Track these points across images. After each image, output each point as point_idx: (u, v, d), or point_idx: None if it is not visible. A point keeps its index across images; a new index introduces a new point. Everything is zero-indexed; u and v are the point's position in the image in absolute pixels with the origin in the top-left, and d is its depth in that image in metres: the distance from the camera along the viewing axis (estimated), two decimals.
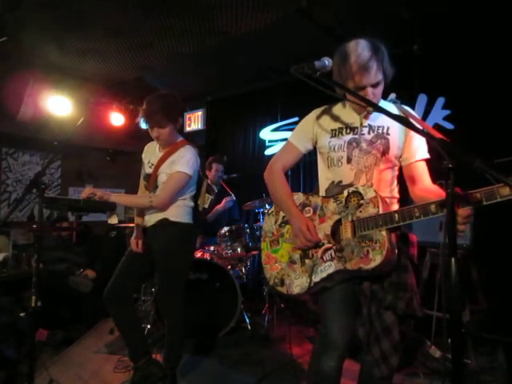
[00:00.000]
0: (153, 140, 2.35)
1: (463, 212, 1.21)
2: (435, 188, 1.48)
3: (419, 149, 1.53)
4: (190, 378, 2.54)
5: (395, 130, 1.51)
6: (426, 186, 1.53)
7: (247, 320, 3.35)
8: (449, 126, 3.47)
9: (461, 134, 3.25)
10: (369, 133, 1.52)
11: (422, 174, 1.56)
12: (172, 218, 2.22)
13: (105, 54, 4.09)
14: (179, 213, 2.25)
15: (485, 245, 2.80)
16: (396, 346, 1.46)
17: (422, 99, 3.61)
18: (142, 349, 2.29)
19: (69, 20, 3.40)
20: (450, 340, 1.01)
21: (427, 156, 1.54)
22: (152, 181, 2.28)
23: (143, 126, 2.24)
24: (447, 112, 3.49)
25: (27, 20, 3.37)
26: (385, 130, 1.52)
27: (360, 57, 1.38)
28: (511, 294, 2.94)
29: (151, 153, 2.37)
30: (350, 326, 1.49)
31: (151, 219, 2.28)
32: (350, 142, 1.53)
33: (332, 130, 1.57)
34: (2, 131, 4.70)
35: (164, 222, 2.22)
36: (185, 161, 2.18)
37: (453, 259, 0.97)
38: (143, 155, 2.44)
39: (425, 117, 3.53)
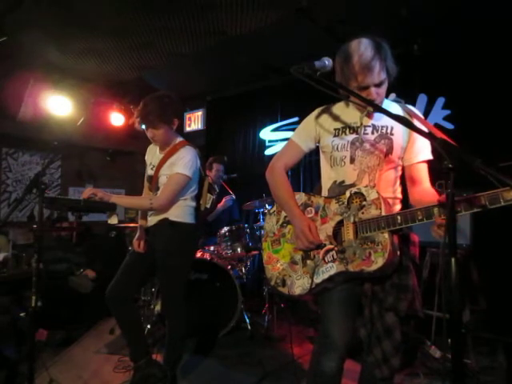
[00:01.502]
0: None
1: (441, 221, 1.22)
2: (432, 192, 1.47)
3: (422, 150, 1.52)
4: (190, 378, 2.54)
5: (399, 130, 1.50)
6: (423, 189, 1.53)
7: (247, 320, 3.34)
8: (449, 125, 3.47)
9: (461, 133, 3.25)
10: (372, 133, 1.51)
11: (422, 176, 1.55)
12: (173, 218, 2.23)
13: (105, 54, 4.09)
14: (180, 213, 2.25)
15: (485, 245, 2.81)
16: (397, 346, 1.46)
17: (421, 99, 3.61)
18: (142, 349, 2.28)
19: (69, 20, 3.40)
20: (449, 340, 1.01)
21: (430, 157, 1.53)
22: (154, 183, 2.29)
23: (139, 126, 2.24)
24: (447, 112, 3.49)
25: (27, 20, 3.37)
26: (389, 130, 1.51)
27: (363, 56, 1.37)
28: (511, 294, 2.95)
29: (152, 154, 2.38)
30: (350, 327, 1.48)
31: (153, 219, 2.28)
32: (353, 142, 1.52)
33: (335, 130, 1.56)
34: (2, 131, 4.69)
35: (165, 222, 2.22)
36: (184, 162, 2.18)
37: (453, 259, 0.97)
38: (146, 157, 2.45)
39: (425, 117, 3.49)
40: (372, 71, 1.37)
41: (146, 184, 2.43)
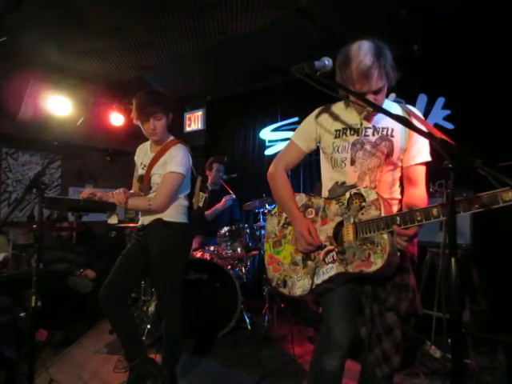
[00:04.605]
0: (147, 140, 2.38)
1: (408, 231, 1.30)
2: (422, 198, 1.49)
3: (420, 152, 1.53)
4: (189, 378, 2.55)
5: (398, 131, 1.51)
6: (418, 190, 1.54)
7: (247, 320, 3.34)
8: (449, 125, 3.47)
9: (461, 134, 3.25)
10: (373, 134, 1.52)
11: (419, 177, 1.56)
12: (167, 218, 2.22)
13: (105, 54, 4.09)
14: (174, 212, 2.24)
15: (485, 245, 2.80)
16: (398, 345, 1.47)
17: (421, 99, 3.61)
18: (136, 347, 2.27)
19: (69, 20, 3.40)
20: (450, 340, 1.01)
21: (428, 159, 1.54)
22: (145, 182, 2.27)
23: (137, 121, 2.23)
24: (447, 112, 3.49)
25: (27, 20, 3.37)
26: (389, 132, 1.51)
27: (361, 64, 1.35)
28: (511, 294, 2.94)
29: (143, 154, 2.37)
30: (351, 326, 1.49)
31: (146, 219, 2.27)
32: (354, 144, 1.52)
33: (336, 131, 1.56)
34: (2, 131, 4.68)
35: (159, 223, 2.21)
36: (177, 160, 2.18)
37: (453, 259, 0.98)
38: (135, 157, 2.44)
39: (425, 117, 3.47)
40: (370, 79, 1.36)
41: (135, 184, 2.42)
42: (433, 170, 1.56)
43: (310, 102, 1.74)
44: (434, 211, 1.24)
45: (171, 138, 2.34)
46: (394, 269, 1.42)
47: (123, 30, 3.60)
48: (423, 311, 1.55)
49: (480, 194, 1.15)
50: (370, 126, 1.52)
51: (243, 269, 3.71)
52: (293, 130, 4.57)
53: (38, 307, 1.93)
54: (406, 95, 1.66)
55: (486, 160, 0.94)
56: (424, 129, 1.36)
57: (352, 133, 1.53)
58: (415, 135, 1.49)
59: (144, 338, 3.04)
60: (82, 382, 2.50)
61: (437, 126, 3.47)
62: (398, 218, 1.33)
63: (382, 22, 3.31)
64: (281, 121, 4.85)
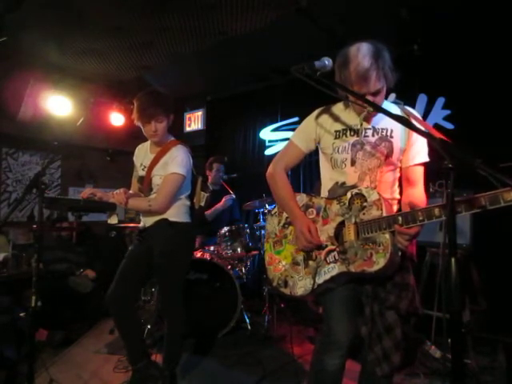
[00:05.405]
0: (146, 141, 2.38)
1: (410, 230, 1.30)
2: (421, 199, 1.50)
3: (419, 153, 1.54)
4: (189, 378, 2.54)
5: (398, 132, 1.52)
6: (417, 191, 1.55)
7: (247, 320, 3.34)
8: (449, 126, 3.47)
9: (461, 134, 3.25)
10: (373, 135, 1.52)
11: (418, 177, 1.57)
12: (170, 218, 2.22)
13: (105, 54, 4.09)
14: (177, 212, 2.24)
15: (485, 245, 2.80)
16: (398, 344, 1.48)
17: (421, 99, 3.61)
18: (141, 351, 2.28)
19: (69, 20, 3.40)
20: (450, 340, 1.01)
21: (426, 160, 1.55)
22: (146, 183, 2.27)
23: (138, 122, 2.22)
24: (447, 112, 3.49)
25: (27, 20, 3.37)
26: (388, 133, 1.52)
27: (359, 66, 1.36)
28: (511, 294, 2.94)
29: (143, 155, 2.37)
30: (352, 326, 1.50)
31: (149, 220, 2.27)
32: (354, 144, 1.53)
33: (336, 132, 1.57)
34: (2, 131, 4.68)
35: (162, 223, 2.21)
36: (178, 161, 2.18)
37: (453, 259, 0.98)
38: (134, 158, 2.43)
39: (425, 117, 3.53)
40: (368, 81, 1.37)
41: (134, 185, 2.42)
42: (433, 170, 1.57)
43: (309, 102, 1.74)
44: (436, 211, 1.24)
45: (171, 138, 2.34)
46: (394, 268, 1.42)
47: (123, 30, 3.60)
48: (423, 311, 1.55)
49: (481, 194, 1.15)
50: (370, 126, 1.53)
51: (243, 269, 3.71)
52: (293, 130, 4.53)
53: (38, 307, 1.93)
54: (405, 95, 1.67)
55: (485, 160, 0.94)
56: (423, 129, 1.36)
57: (352, 133, 1.54)
58: (414, 136, 1.50)
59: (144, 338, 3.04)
60: (82, 382, 2.50)
61: (437, 126, 3.47)
62: (400, 218, 1.33)
63: (382, 22, 3.31)
64: (281, 121, 4.85)
